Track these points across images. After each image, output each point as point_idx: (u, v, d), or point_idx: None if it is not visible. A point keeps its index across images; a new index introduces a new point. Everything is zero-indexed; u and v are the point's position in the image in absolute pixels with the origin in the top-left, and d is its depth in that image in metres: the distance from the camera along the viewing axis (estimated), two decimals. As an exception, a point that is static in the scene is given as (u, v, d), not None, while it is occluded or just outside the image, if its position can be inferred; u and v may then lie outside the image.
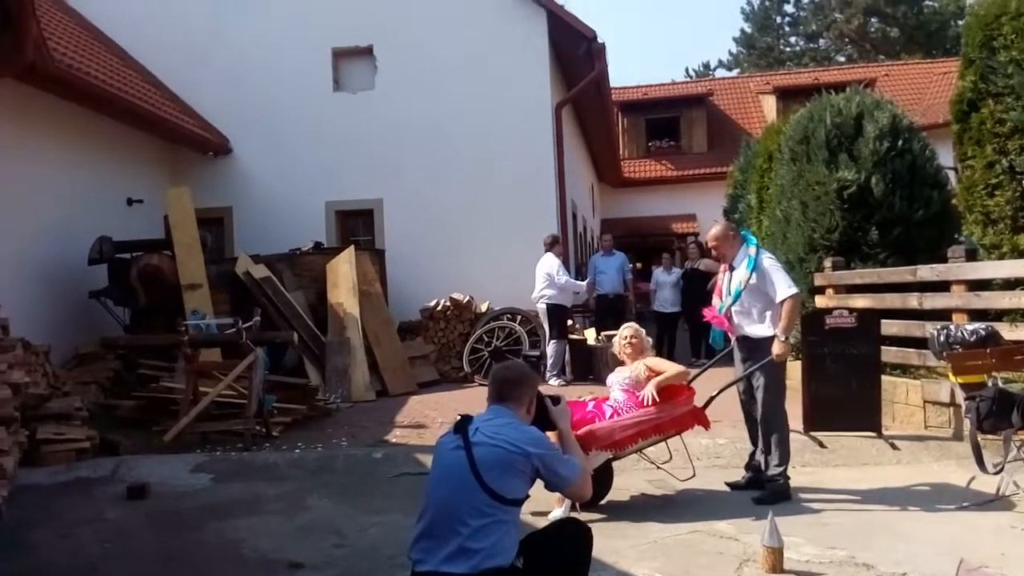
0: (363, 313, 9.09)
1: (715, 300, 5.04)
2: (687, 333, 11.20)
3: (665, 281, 11.21)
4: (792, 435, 5.71)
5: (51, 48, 7.21)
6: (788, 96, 20.52)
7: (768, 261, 4.70)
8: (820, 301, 7.45)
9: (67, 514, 4.70)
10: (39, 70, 6.89)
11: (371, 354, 8.96)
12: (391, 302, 10.00)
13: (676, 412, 4.60)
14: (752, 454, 4.99)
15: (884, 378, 6.28)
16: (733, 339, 4.99)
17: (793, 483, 4.72)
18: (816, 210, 7.54)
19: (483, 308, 9.96)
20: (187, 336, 6.75)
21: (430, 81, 10.82)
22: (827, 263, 7.40)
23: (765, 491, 4.65)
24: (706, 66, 44.25)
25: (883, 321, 6.32)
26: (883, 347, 6.26)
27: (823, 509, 4.43)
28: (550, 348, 9.05)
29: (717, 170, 18.30)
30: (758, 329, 4.74)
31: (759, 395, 4.76)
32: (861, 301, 6.87)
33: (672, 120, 21.83)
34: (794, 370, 6.13)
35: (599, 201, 20.11)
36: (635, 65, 74.82)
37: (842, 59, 37.67)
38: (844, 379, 6.04)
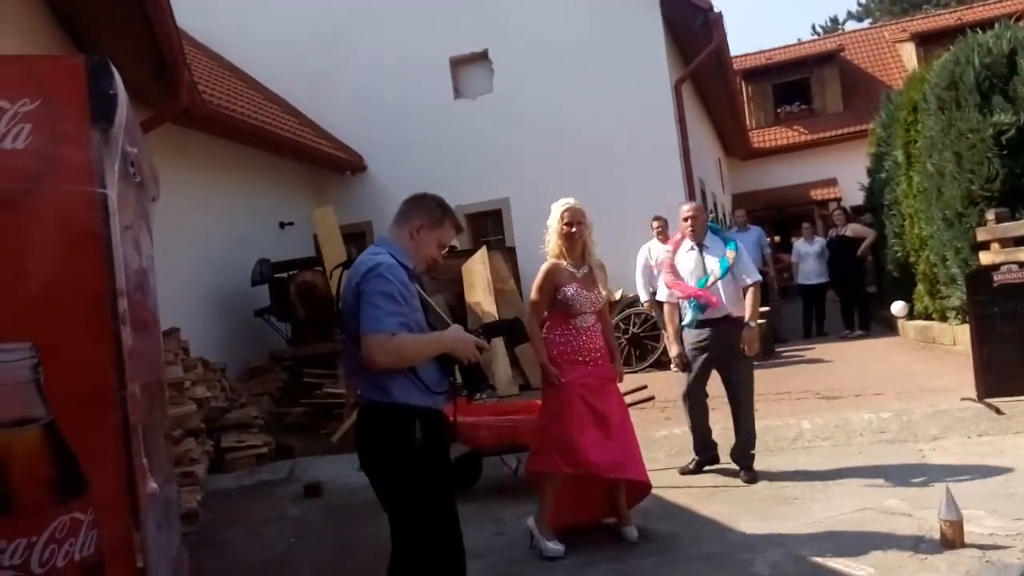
0: (500, 310, 9.29)
1: (665, 276, 4.88)
2: (837, 304, 10.67)
3: (808, 252, 10.72)
4: (966, 403, 5.38)
5: (199, 90, 7.87)
6: (929, 42, 18.98)
7: (740, 244, 4.84)
8: (985, 257, 6.88)
9: (254, 514, 5.14)
10: (192, 112, 7.53)
11: (511, 349, 9.15)
12: (525, 297, 10.14)
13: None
14: (702, 439, 4.89)
15: (1067, 334, 5.72)
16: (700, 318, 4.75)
17: (970, 453, 4.43)
18: (972, 159, 6.97)
19: (617, 296, 9.92)
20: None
21: (545, 77, 10.89)
22: (990, 215, 6.82)
23: (753, 472, 4.63)
24: (834, 20, 41.78)
25: (1061, 272, 5.75)
26: (1063, 300, 5.70)
27: (1006, 479, 4.11)
28: None
29: (856, 129, 17.34)
30: (739, 308, 4.68)
31: (741, 380, 4.67)
32: (1033, 253, 6.29)
33: (802, 82, 20.73)
34: (963, 333, 5.72)
35: (728, 176, 19.45)
36: (757, 29, 71.50)
37: (989, -8, 34.36)
38: (1019, 338, 5.56)
